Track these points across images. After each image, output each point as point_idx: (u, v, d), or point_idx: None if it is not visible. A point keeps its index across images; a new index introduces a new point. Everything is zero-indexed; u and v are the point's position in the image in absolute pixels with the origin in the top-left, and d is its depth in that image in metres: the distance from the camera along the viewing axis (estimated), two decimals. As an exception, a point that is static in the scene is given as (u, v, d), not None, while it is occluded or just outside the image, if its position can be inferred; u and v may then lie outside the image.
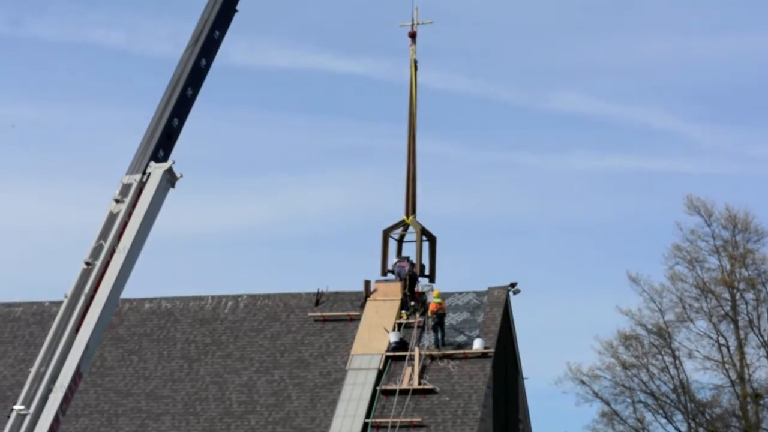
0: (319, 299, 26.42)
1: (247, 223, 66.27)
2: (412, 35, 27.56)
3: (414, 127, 27.58)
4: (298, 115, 68.79)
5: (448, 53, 56.68)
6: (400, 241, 27.22)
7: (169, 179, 14.41)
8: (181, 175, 14.84)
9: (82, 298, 12.13)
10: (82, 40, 68.22)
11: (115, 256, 12.70)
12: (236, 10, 16.87)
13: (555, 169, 64.10)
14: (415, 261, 26.36)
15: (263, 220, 65.68)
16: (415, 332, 24.65)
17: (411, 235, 27.36)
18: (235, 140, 65.30)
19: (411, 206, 27.10)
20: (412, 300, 25.46)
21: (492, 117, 65.34)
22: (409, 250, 27.19)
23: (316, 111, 68.24)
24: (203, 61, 16.06)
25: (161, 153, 14.79)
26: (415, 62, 27.70)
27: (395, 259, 26.64)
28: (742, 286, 38.68)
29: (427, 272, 26.76)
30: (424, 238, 26.81)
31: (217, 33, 16.39)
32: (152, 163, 14.34)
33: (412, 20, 27.69)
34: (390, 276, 26.64)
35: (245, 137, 67.94)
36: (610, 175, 66.35)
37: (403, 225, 27.25)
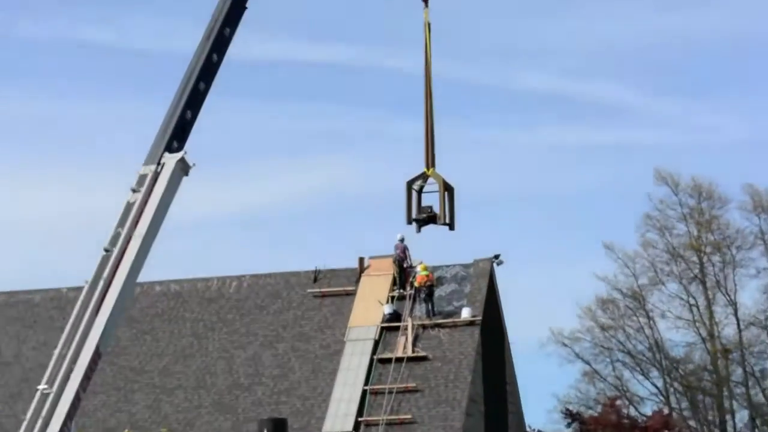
0: (317, 276, 28.07)
1: (246, 206, 68.57)
2: None
3: (429, 77, 24.01)
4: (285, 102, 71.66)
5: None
6: (420, 191, 27.04)
7: (183, 168, 15.36)
8: (194, 164, 15.89)
9: (101, 283, 12.75)
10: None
11: (132, 242, 13.38)
12: (245, 7, 17.81)
13: (526, 145, 66.22)
14: (437, 211, 25.51)
15: (261, 201, 67.63)
16: (407, 304, 26.33)
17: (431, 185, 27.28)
18: (229, 127, 68.01)
19: (430, 158, 27.10)
20: (401, 283, 27.04)
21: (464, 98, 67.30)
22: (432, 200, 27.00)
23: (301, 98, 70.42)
24: (215, 57, 17.04)
25: (175, 144, 15.76)
26: (429, 25, 25.07)
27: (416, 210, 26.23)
28: (709, 249, 41.09)
29: (448, 220, 26.64)
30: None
31: (227, 30, 17.47)
32: (166, 154, 15.32)
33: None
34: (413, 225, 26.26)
35: (238, 125, 70.29)
36: (578, 148, 69.02)
37: (424, 177, 27.32)
